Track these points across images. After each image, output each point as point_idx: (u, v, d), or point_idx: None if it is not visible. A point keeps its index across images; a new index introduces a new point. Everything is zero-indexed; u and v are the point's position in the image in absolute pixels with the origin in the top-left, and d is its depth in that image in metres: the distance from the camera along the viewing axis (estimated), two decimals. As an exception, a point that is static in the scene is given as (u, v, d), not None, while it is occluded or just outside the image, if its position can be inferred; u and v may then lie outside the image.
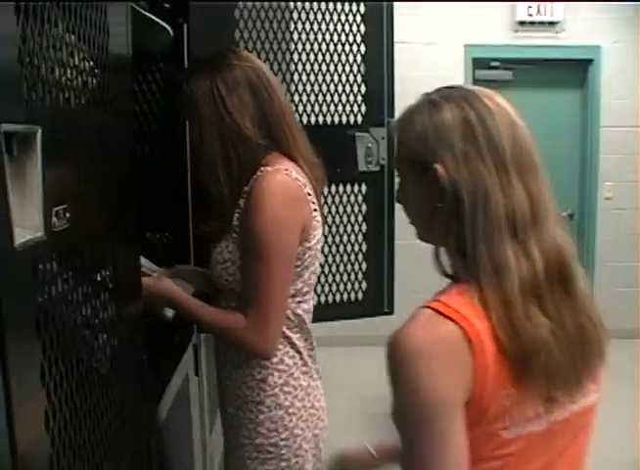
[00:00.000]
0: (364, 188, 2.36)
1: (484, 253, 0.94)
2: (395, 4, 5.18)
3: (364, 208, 2.38)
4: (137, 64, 1.50)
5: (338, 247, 2.30)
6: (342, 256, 2.31)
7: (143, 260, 1.72)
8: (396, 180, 1.10)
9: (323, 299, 2.29)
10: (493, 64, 5.43)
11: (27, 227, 0.74)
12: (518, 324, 0.92)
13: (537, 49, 5.33)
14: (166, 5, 1.67)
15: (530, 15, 5.29)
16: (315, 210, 1.54)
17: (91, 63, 1.05)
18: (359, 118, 2.33)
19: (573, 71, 5.51)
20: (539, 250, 0.96)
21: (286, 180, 1.47)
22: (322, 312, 1.98)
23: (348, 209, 2.36)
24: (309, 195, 1.52)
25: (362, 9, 2.17)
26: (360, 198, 2.36)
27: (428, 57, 5.17)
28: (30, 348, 0.74)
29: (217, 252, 1.54)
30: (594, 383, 1.03)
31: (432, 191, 0.98)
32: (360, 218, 2.37)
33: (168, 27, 1.68)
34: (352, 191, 2.36)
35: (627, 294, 5.42)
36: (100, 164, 1.07)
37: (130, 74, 1.22)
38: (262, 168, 1.48)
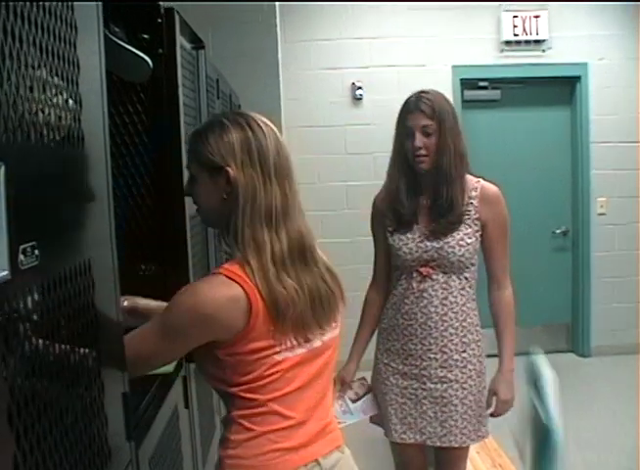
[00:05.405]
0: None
1: (249, 234, 1.33)
2: (385, 29, 5.24)
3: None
4: (118, 95, 1.48)
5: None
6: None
7: None
8: (187, 179, 1.44)
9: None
10: (481, 84, 5.46)
11: (-9, 266, 0.72)
12: (271, 285, 1.31)
13: (524, 68, 5.36)
14: (145, 36, 1.67)
15: (516, 34, 5.32)
16: None
17: (64, 97, 1.04)
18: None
19: (561, 89, 5.54)
20: (286, 234, 1.36)
21: None
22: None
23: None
24: None
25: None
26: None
27: (416, 79, 5.20)
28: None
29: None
30: (335, 322, 1.48)
31: (220, 187, 1.37)
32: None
33: (147, 58, 1.68)
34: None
35: (624, 309, 5.41)
36: (74, 201, 1.06)
37: (105, 107, 1.20)
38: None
